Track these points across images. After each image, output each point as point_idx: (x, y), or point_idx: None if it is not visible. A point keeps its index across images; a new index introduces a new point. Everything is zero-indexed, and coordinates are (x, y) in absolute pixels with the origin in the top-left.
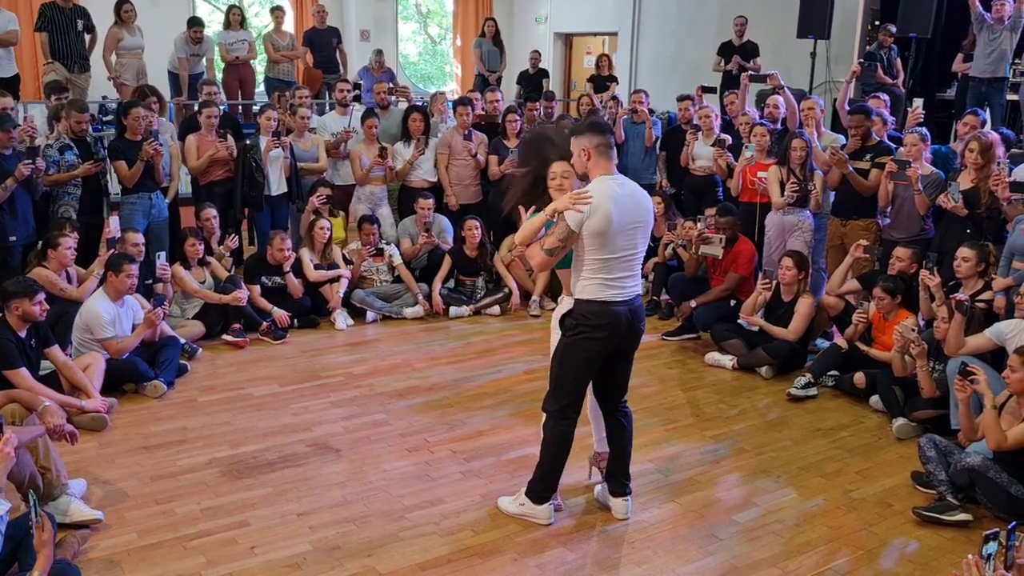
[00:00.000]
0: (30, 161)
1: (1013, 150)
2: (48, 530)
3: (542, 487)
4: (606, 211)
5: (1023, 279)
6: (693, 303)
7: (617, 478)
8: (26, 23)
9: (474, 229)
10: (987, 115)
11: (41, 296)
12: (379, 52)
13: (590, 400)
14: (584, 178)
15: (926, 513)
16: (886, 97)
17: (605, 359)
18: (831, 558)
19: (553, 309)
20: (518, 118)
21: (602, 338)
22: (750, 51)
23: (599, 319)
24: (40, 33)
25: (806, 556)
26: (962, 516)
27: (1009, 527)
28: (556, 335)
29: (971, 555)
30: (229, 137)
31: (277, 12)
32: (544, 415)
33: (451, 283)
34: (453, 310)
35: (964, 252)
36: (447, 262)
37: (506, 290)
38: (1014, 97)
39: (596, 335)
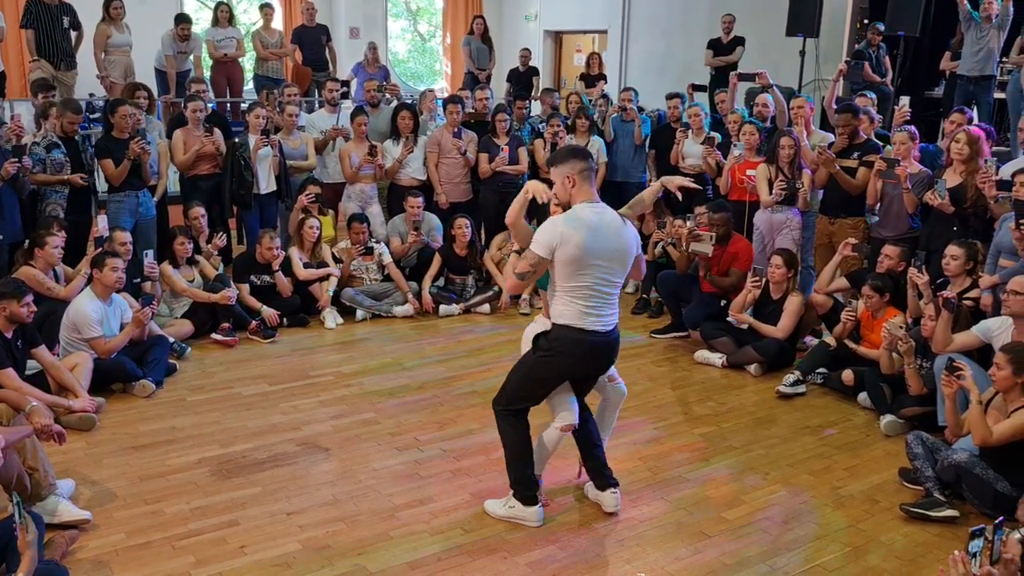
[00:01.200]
0: (16, 159)
1: (998, 148)
2: (32, 532)
3: (523, 488)
4: (579, 239)
5: (1010, 277)
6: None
7: (599, 472)
8: (11, 20)
9: (464, 228)
10: (974, 113)
11: (29, 298)
12: (373, 46)
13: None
14: (567, 206)
15: (913, 509)
16: (872, 95)
17: (577, 380)
18: (819, 555)
19: (549, 349)
20: (507, 116)
21: (571, 363)
22: (736, 46)
23: (573, 347)
24: (26, 30)
25: (794, 553)
26: (949, 512)
27: (996, 522)
28: (526, 347)
29: (957, 551)
30: (216, 131)
31: (266, 9)
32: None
33: (440, 282)
34: (443, 309)
35: (953, 251)
36: (437, 260)
37: (496, 288)
38: (1001, 95)
39: (567, 361)
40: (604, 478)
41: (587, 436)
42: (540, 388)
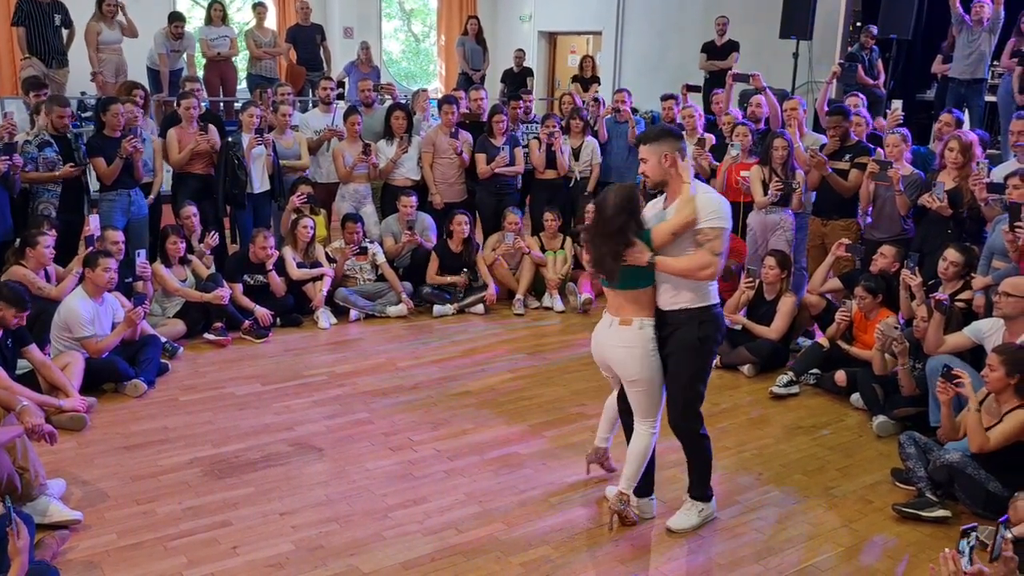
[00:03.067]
0: (7, 157)
1: (989, 151)
2: (24, 537)
3: (707, 489)
4: (728, 213)
5: (1002, 278)
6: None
7: (647, 478)
8: (2, 17)
9: (463, 224)
10: (965, 116)
11: (27, 312)
12: (366, 46)
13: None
14: (658, 186)
15: (905, 509)
16: (863, 96)
17: None
18: (812, 555)
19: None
20: (504, 117)
21: (721, 337)
22: (730, 50)
23: (722, 322)
24: (17, 28)
25: (787, 553)
26: (941, 512)
27: (1000, 520)
28: (632, 355)
29: (948, 549)
30: (211, 128)
31: (259, 8)
32: (675, 428)
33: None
34: (437, 309)
35: (952, 256)
36: (434, 258)
37: (484, 285)
38: (992, 99)
39: (719, 338)
40: (649, 487)
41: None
42: (706, 379)
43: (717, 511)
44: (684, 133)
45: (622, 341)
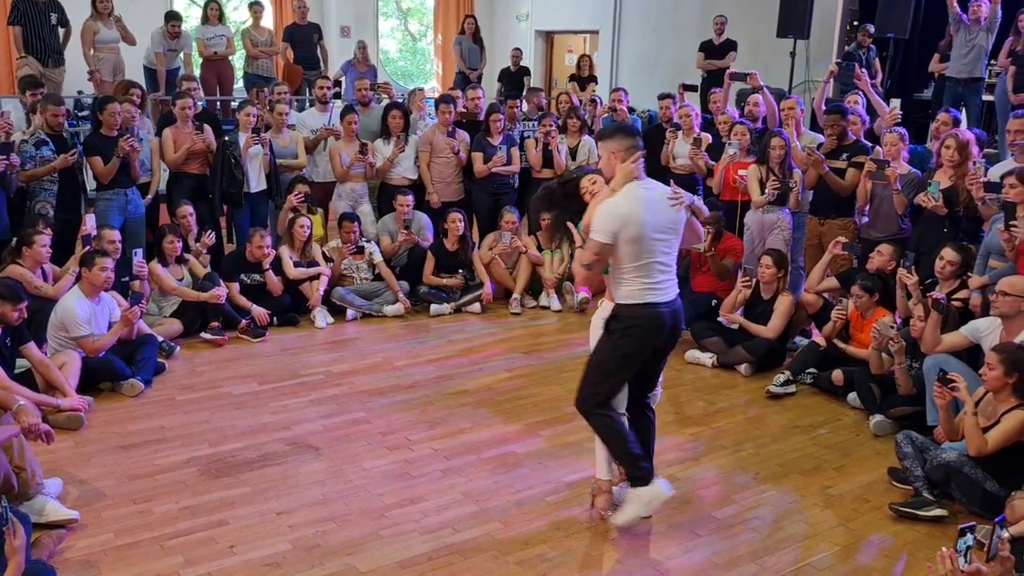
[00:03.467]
0: (4, 157)
1: (987, 150)
2: (20, 536)
3: (636, 472)
4: (639, 218)
5: (998, 278)
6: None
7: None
8: None
9: (457, 221)
10: (963, 115)
11: (24, 304)
12: (363, 45)
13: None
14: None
15: (902, 509)
16: (862, 95)
17: (651, 357)
18: (809, 554)
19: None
20: (502, 116)
21: (644, 337)
22: (728, 49)
23: (644, 321)
24: (13, 27)
25: (784, 552)
26: (938, 512)
27: (997, 520)
28: (596, 335)
29: (945, 548)
30: (207, 128)
31: (255, 8)
32: (583, 414)
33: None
34: (434, 308)
35: (950, 255)
36: (430, 257)
37: (480, 284)
38: (990, 98)
39: (641, 335)
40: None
41: (647, 432)
42: (621, 372)
43: (666, 495)
44: (680, 132)
45: (596, 316)
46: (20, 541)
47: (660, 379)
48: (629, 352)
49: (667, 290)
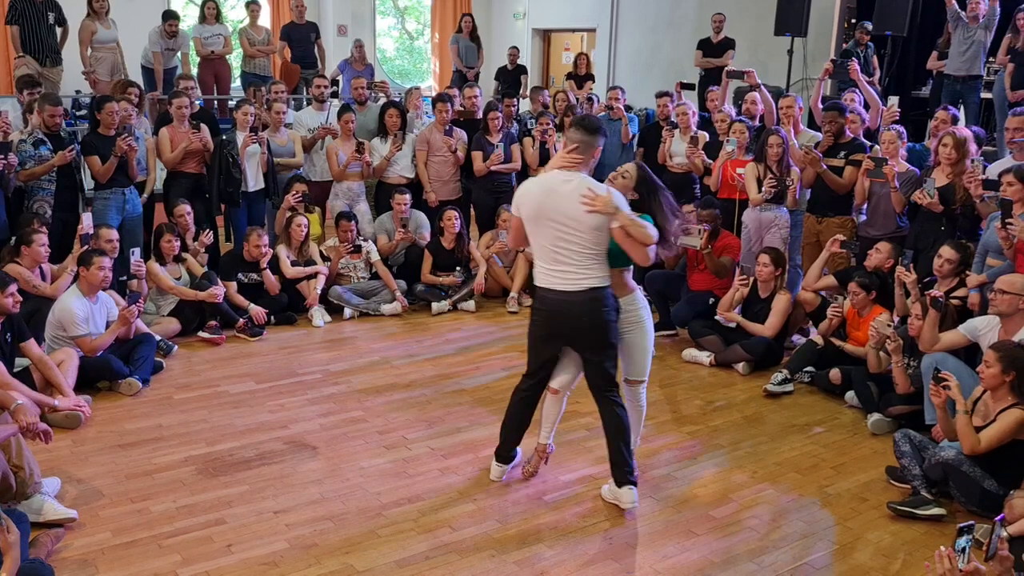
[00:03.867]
0: (2, 156)
1: (985, 147)
2: (15, 532)
3: (499, 445)
4: (534, 198)
5: (997, 276)
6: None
7: (618, 466)
8: None
9: (453, 219)
10: (961, 113)
11: (13, 288)
12: (360, 44)
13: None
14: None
15: (900, 508)
16: (859, 93)
17: (567, 345)
18: (806, 552)
19: (531, 306)
20: (500, 114)
21: (539, 321)
22: (726, 47)
23: (539, 304)
24: (11, 27)
25: (782, 551)
26: (936, 511)
27: (996, 519)
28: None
29: (943, 547)
30: (203, 127)
31: (252, 7)
32: None
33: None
34: (435, 306)
35: (948, 254)
36: (428, 256)
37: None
38: (988, 95)
39: (537, 319)
40: (624, 474)
41: (608, 427)
42: (532, 348)
43: (638, 497)
44: (678, 130)
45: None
46: (15, 536)
47: (637, 384)
48: (535, 333)
49: (554, 279)
